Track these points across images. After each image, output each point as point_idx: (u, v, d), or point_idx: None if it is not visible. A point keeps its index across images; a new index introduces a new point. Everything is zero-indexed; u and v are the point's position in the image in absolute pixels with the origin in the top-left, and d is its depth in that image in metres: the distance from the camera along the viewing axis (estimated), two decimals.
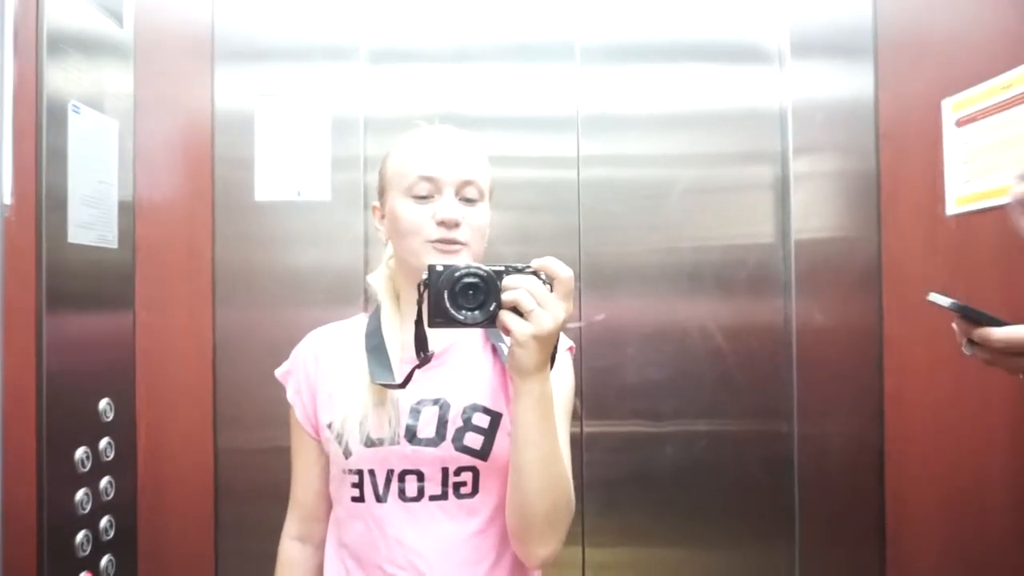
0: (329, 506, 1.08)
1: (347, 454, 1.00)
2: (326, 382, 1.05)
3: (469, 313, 0.86)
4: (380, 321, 1.06)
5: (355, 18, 1.67)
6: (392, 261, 1.10)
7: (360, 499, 1.00)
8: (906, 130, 1.56)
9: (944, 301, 0.67)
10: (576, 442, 1.66)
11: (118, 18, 1.47)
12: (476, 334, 1.06)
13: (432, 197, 1.01)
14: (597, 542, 1.67)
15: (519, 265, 0.87)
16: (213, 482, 1.60)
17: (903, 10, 1.58)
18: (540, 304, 0.85)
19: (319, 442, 1.06)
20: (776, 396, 1.67)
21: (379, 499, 0.99)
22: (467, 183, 1.02)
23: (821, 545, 1.64)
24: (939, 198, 1.43)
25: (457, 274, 0.86)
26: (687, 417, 1.68)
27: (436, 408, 1.00)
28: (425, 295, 0.88)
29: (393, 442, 0.99)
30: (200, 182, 1.63)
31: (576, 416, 1.66)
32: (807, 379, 1.65)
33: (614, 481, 1.67)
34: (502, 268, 0.87)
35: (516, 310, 0.85)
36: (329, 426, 1.03)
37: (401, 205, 1.02)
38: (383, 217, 1.08)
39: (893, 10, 1.61)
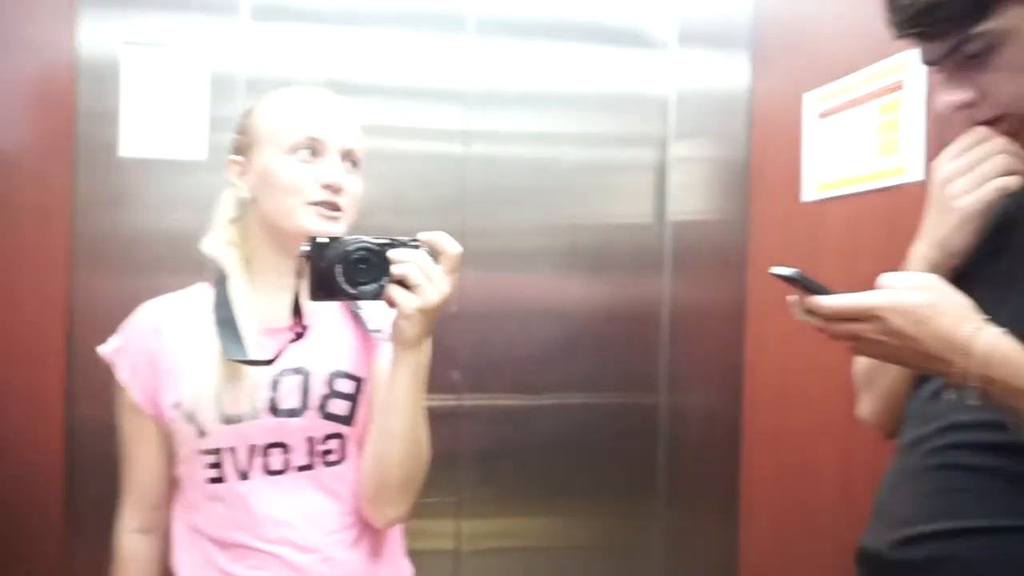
0: (172, 491, 1.02)
1: (202, 433, 0.95)
2: (169, 358, 0.98)
3: (364, 287, 0.85)
4: (226, 292, 0.99)
5: None
6: (234, 226, 1.02)
7: (220, 479, 0.96)
8: (775, 120, 1.66)
9: (784, 271, 0.72)
10: (453, 414, 1.68)
11: None
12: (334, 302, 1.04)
13: (315, 159, 0.98)
14: (473, 512, 1.70)
15: (405, 239, 0.87)
16: (63, 457, 1.50)
17: (779, 6, 1.67)
18: (428, 278, 0.85)
19: (161, 423, 0.99)
20: (647, 370, 1.75)
21: (242, 477, 0.96)
22: (350, 151, 1.00)
23: (682, 507, 1.74)
24: (799, 184, 1.53)
25: (350, 247, 0.85)
26: (563, 390, 1.73)
27: (298, 377, 0.97)
28: (305, 268, 0.86)
29: (253, 416, 0.95)
30: (59, 133, 1.52)
31: (454, 389, 1.67)
32: (676, 353, 1.73)
33: (491, 453, 1.70)
34: (387, 241, 0.86)
35: (403, 283, 0.85)
36: (176, 405, 0.96)
37: (281, 163, 0.97)
38: (244, 173, 1.02)
39: (771, 5, 1.69)
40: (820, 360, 1.41)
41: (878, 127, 1.33)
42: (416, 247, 0.87)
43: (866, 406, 0.92)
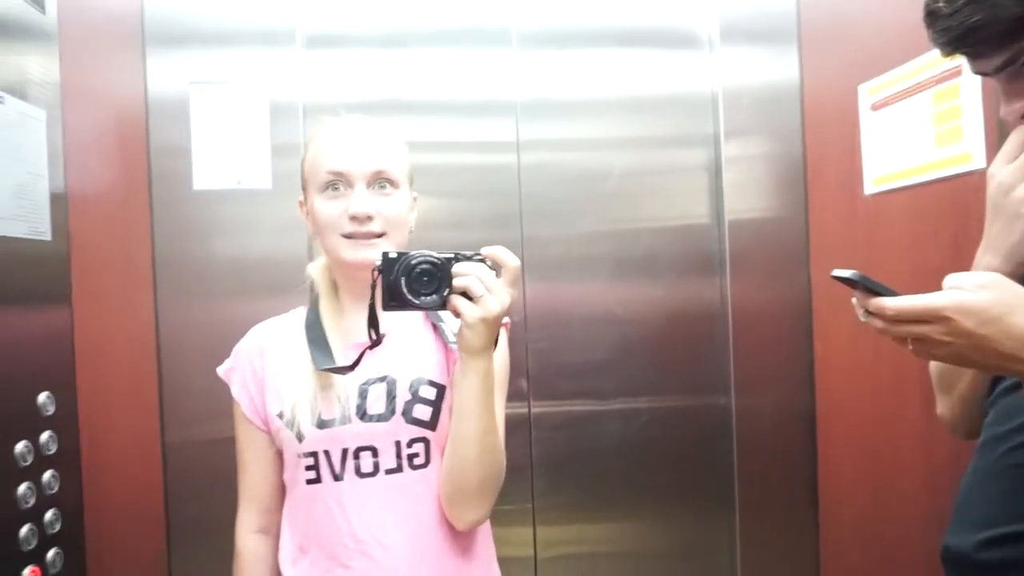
0: (283, 495, 1.10)
1: (300, 438, 1.03)
2: (273, 374, 1.08)
3: (426, 298, 0.92)
4: (318, 311, 1.09)
5: (290, 2, 1.65)
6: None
7: (317, 480, 1.04)
8: (828, 113, 1.64)
9: (845, 273, 0.72)
10: (524, 422, 1.71)
11: (39, 3, 1.42)
12: (417, 314, 1.09)
13: (345, 191, 1.04)
14: (547, 519, 1.72)
15: (468, 253, 0.94)
16: (162, 476, 1.58)
17: None
18: (488, 290, 0.92)
19: (269, 434, 1.08)
20: (714, 371, 1.74)
21: (336, 478, 1.03)
22: (378, 173, 1.04)
23: (759, 508, 1.72)
24: (858, 178, 1.51)
25: (414, 261, 0.92)
26: (630, 395, 1.74)
27: (384, 385, 1.04)
28: (379, 281, 0.93)
29: (344, 421, 1.03)
30: (135, 172, 1.60)
31: (523, 397, 1.71)
32: (743, 353, 1.72)
33: (562, 459, 1.72)
34: (451, 255, 0.93)
35: (466, 294, 0.92)
36: (280, 415, 1.05)
37: (317, 202, 1.05)
38: (307, 213, 1.10)
39: None
40: (895, 353, 1.39)
41: (934, 116, 1.31)
42: (480, 260, 0.94)
43: (943, 408, 0.91)
